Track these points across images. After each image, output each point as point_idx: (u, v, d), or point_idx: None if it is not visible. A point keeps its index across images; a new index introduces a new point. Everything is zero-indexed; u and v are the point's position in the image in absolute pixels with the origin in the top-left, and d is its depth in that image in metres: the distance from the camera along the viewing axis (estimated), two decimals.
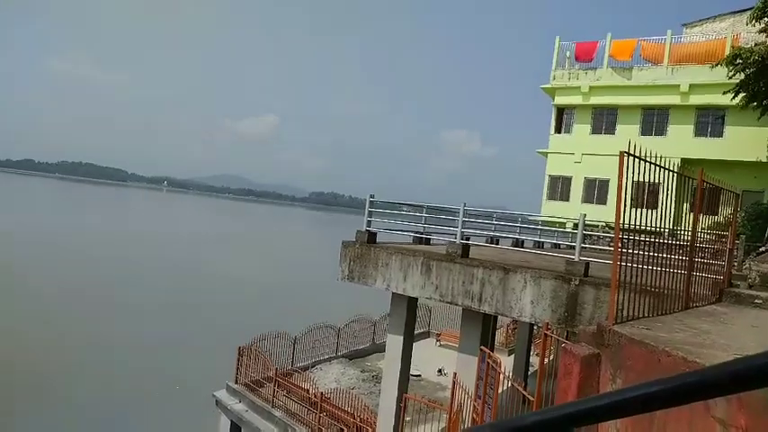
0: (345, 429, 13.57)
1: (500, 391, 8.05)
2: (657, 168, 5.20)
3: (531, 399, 6.94)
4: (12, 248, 49.88)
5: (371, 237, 11.81)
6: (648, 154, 5.04)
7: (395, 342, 11.98)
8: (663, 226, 5.40)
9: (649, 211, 5.25)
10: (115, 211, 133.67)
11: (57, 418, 18.62)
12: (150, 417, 19.19)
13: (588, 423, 0.98)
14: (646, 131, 25.22)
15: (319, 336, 20.28)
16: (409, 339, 12.10)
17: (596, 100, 26.28)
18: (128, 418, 19.17)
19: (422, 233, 12.90)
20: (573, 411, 0.98)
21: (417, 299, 11.72)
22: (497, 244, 13.78)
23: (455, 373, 10.14)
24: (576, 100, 26.78)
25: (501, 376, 7.89)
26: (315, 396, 14.38)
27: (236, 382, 16.80)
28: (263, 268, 62.77)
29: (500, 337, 23.24)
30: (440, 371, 19.97)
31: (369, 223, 11.85)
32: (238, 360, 16.90)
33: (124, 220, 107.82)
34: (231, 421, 16.09)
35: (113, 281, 42.98)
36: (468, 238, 11.48)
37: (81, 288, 39.19)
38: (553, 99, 27.53)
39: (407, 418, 12.26)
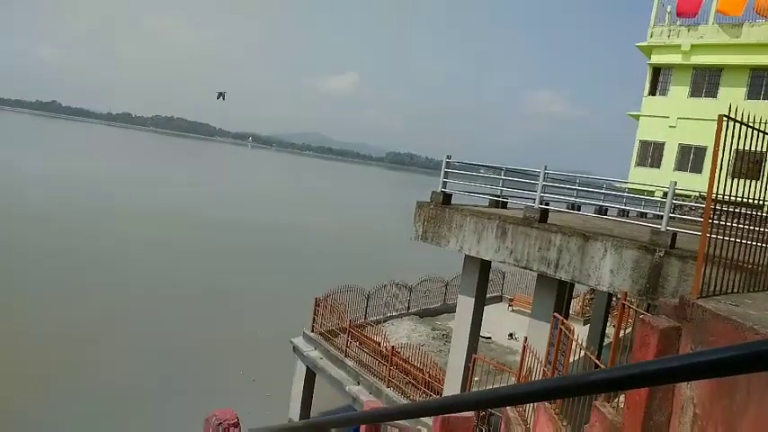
0: (414, 383, 13.99)
1: (572, 359, 7.96)
2: (763, 136, 4.79)
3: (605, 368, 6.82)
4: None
5: (446, 198, 11.78)
6: (754, 120, 4.64)
7: (466, 303, 12.06)
8: (765, 198, 5.01)
9: (751, 182, 4.88)
10: (209, 166, 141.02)
11: (150, 360, 20.46)
12: (234, 360, 20.64)
13: (654, 384, 0.99)
14: (753, 95, 22.93)
15: (392, 292, 20.75)
16: (480, 301, 12.13)
17: (698, 59, 24.09)
18: (216, 359, 20.72)
19: (498, 196, 12.69)
20: (637, 372, 1.00)
21: (490, 262, 11.66)
22: (579, 210, 13.30)
23: (526, 338, 10.11)
24: (674, 59, 24.72)
25: (573, 344, 7.78)
26: (386, 349, 14.86)
27: (312, 331, 17.65)
28: (340, 225, 64.43)
29: (576, 306, 22.72)
30: (510, 335, 19.93)
31: (444, 184, 11.80)
32: (315, 310, 17.69)
33: (218, 174, 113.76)
34: (307, 367, 17.02)
35: (208, 232, 45.84)
36: (547, 204, 11.20)
37: (176, 235, 42.18)
38: (649, 58, 25.57)
39: (475, 378, 12.43)
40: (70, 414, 15.80)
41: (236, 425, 3.87)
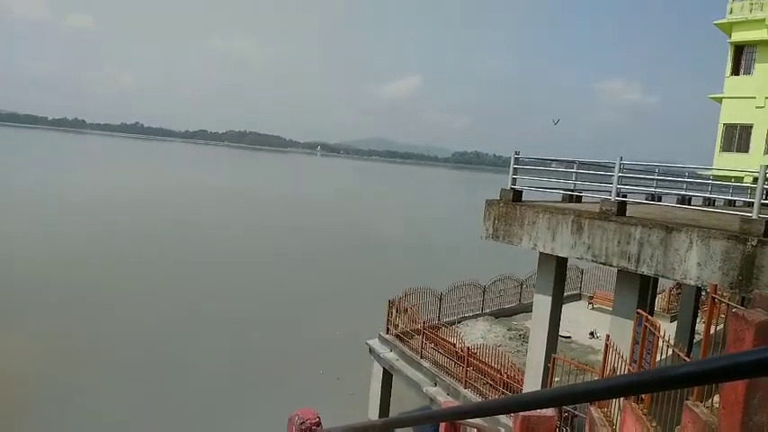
0: (492, 384, 13.82)
1: (659, 357, 7.59)
2: None
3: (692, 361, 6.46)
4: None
5: (517, 195, 11.57)
6: None
7: (542, 302, 11.78)
8: None
9: None
10: (282, 176, 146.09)
11: (235, 359, 21.43)
12: (314, 359, 21.23)
13: (749, 376, 0.93)
14: None
15: (464, 293, 20.59)
16: (558, 300, 11.81)
17: None
18: (299, 358, 21.41)
19: (572, 190, 12.30)
20: (729, 364, 0.96)
21: (566, 259, 11.34)
22: (659, 201, 12.64)
23: (608, 336, 9.73)
24: (759, 35, 22.95)
25: (660, 341, 7.42)
26: (461, 350, 14.77)
27: (387, 333, 17.84)
28: (409, 227, 64.69)
29: (661, 302, 21.57)
30: (591, 334, 19.22)
31: (514, 181, 11.60)
32: (389, 312, 17.87)
33: (290, 182, 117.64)
34: (383, 368, 17.23)
35: (284, 236, 47.51)
36: (624, 196, 10.76)
37: (255, 239, 44.00)
38: (729, 36, 23.91)
39: (556, 379, 12.10)
40: (163, 410, 16.80)
41: (318, 423, 4.03)
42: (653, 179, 12.72)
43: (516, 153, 11.62)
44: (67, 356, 19.83)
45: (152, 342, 22.07)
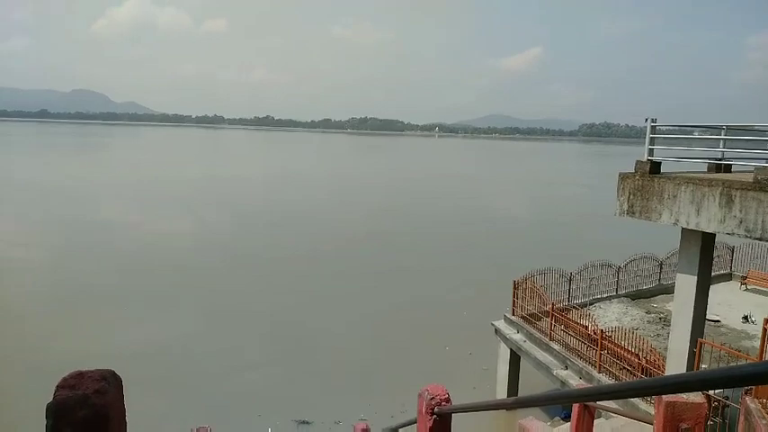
0: (629, 369, 13.06)
1: None
2: None
3: None
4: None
5: (654, 167, 10.69)
6: None
7: (686, 282, 10.83)
8: None
9: None
10: (399, 157, 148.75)
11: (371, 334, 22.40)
12: (439, 340, 21.53)
13: None
14: None
15: (596, 273, 19.54)
16: (704, 280, 10.78)
17: None
18: (426, 338, 21.89)
19: (720, 159, 11.09)
20: None
21: (714, 235, 10.30)
22: None
23: (766, 320, 8.73)
24: None
25: None
26: (594, 333, 14.11)
27: (513, 314, 17.54)
28: (533, 204, 62.57)
29: None
30: (745, 317, 17.32)
31: (650, 152, 10.71)
32: (514, 293, 17.54)
33: (410, 162, 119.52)
34: (510, 350, 17.00)
35: (410, 219, 48.53)
36: None
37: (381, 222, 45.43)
38: None
39: (703, 366, 11.12)
40: (301, 375, 18.10)
41: (448, 400, 4.13)
42: None
43: (653, 121, 10.71)
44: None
45: (292, 314, 23.92)
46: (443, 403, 4.03)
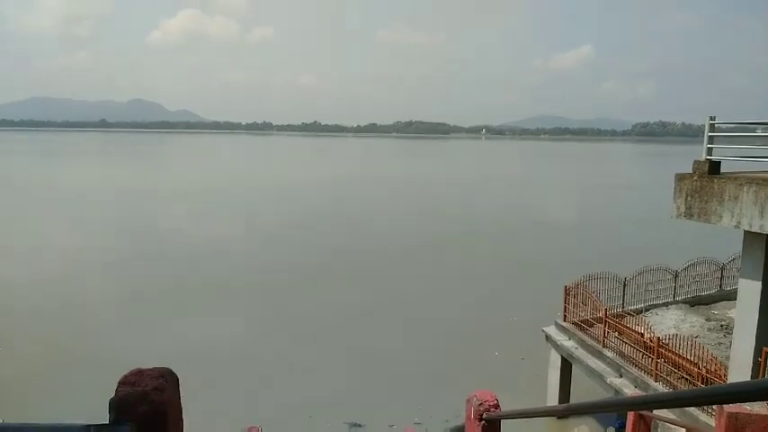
0: (689, 378, 12.50)
1: None
2: None
3: None
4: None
5: (714, 167, 10.23)
6: None
7: (750, 288, 10.30)
8: None
9: None
10: (446, 161, 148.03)
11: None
12: (490, 342, 21.27)
13: None
14: None
15: (652, 278, 18.81)
16: None
17: None
18: (476, 339, 21.69)
19: None
20: None
21: None
22: None
23: None
24: None
25: None
26: (650, 340, 13.58)
27: (565, 320, 17.10)
28: (583, 209, 60.93)
29: None
30: None
31: (709, 151, 10.27)
32: (565, 299, 17.11)
33: (458, 166, 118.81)
34: (561, 356, 16.57)
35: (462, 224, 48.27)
36: None
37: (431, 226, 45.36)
38: None
39: None
40: (355, 378, 18.22)
41: (497, 406, 4.07)
42: None
43: (711, 119, 10.26)
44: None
45: (349, 319, 24.18)
46: (492, 409, 3.97)
